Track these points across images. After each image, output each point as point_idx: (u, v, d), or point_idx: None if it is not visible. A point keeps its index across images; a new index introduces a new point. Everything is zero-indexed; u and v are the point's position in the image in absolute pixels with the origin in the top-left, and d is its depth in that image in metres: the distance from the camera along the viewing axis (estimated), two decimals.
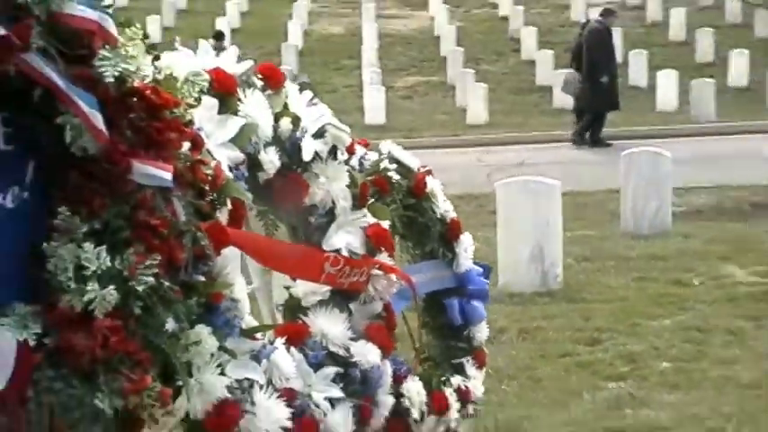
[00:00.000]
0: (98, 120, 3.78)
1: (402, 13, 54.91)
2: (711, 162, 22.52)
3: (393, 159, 5.33)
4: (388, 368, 4.76)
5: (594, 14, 39.22)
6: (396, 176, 5.27)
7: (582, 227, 16.41)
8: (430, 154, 25.30)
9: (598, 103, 28.83)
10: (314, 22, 53.02)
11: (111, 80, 3.82)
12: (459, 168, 21.02)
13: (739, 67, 37.83)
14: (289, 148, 4.68)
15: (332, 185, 4.78)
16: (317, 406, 4.44)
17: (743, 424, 8.10)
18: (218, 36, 34.34)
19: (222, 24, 46.00)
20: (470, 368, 5.53)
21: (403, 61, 45.63)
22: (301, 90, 4.89)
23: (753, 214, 17.78)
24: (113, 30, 3.89)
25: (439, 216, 5.55)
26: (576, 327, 11.03)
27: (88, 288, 3.76)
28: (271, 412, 4.29)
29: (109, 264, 3.80)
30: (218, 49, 4.92)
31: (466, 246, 5.62)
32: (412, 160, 5.46)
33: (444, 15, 51.12)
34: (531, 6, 52.27)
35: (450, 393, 5.37)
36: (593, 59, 28.69)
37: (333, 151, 4.80)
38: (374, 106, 37.31)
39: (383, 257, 4.86)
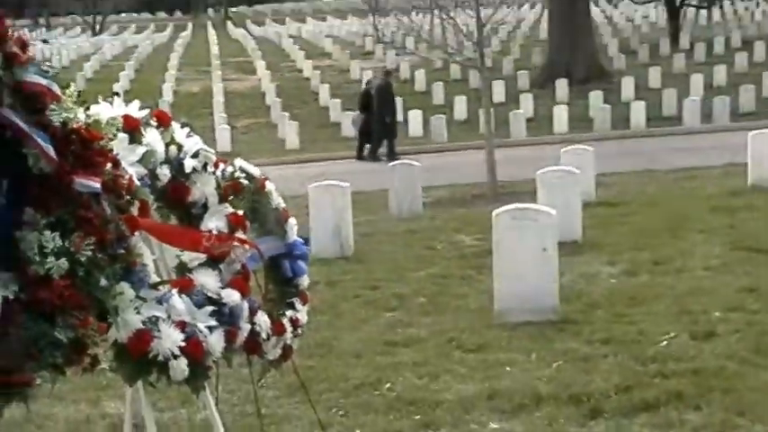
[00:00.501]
0: (50, 150, 3.74)
1: (239, 77, 54.10)
2: (446, 168, 22.63)
3: (243, 170, 5.29)
4: (245, 306, 4.68)
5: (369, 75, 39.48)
6: (245, 182, 5.23)
7: (365, 213, 16.37)
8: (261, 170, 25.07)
9: (384, 133, 28.94)
10: (180, 85, 51.92)
11: (58, 124, 3.80)
12: (282, 178, 20.76)
13: (461, 106, 37.93)
14: (176, 165, 4.64)
15: (205, 188, 4.72)
16: (201, 332, 4.35)
17: (471, 333, 8.16)
18: (115, 95, 33.51)
19: (117, 87, 44.89)
20: (298, 305, 5.44)
21: (241, 109, 44.98)
22: (182, 127, 4.87)
23: (472, 202, 17.92)
24: (58, 90, 3.85)
25: (274, 207, 5.49)
26: (363, 279, 10.98)
27: (48, 260, 3.72)
28: (171, 336, 4.22)
29: (60, 244, 3.76)
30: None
31: (292, 225, 5.58)
32: (255, 170, 5.42)
33: (267, 78, 50.45)
34: (324, 70, 51.98)
35: (285, 321, 5.28)
36: (381, 105, 28.77)
37: (204, 166, 4.78)
38: (223, 139, 36.74)
39: (239, 234, 4.83)
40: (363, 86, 32.57)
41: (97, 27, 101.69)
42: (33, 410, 6.66)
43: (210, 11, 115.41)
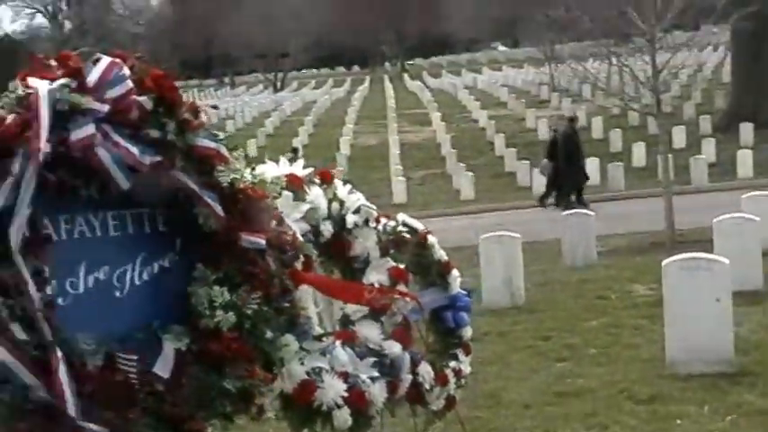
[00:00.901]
0: (219, 209, 3.99)
1: (414, 129, 54.81)
2: (623, 216, 22.41)
3: (405, 224, 5.46)
4: (407, 357, 4.82)
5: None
6: (407, 235, 5.39)
7: (539, 263, 16.37)
8: (436, 220, 25.33)
9: (573, 180, 28.88)
10: (357, 138, 52.95)
11: (226, 184, 4.04)
12: (457, 229, 21.01)
13: (639, 153, 37.50)
14: (338, 220, 4.85)
15: (366, 243, 4.92)
16: (364, 382, 4.53)
17: (643, 384, 8.10)
18: (295, 150, 34.42)
19: (296, 142, 46.11)
20: (461, 356, 5.53)
21: (416, 160, 45.53)
22: (344, 184, 5.07)
23: (649, 251, 17.69)
24: (226, 153, 4.08)
25: (436, 259, 5.64)
26: (533, 329, 11.00)
27: (217, 314, 3.94)
28: (335, 387, 4.40)
29: (228, 298, 3.98)
30: (294, 159, 5.09)
31: (454, 277, 5.69)
32: (418, 224, 5.57)
33: (442, 129, 50.98)
34: (499, 120, 52.13)
35: (448, 372, 5.39)
36: (568, 152, 28.78)
37: (366, 221, 4.96)
38: (398, 191, 37.28)
39: (401, 287, 4.99)
40: (550, 134, 32.64)
41: (278, 84, 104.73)
42: None
43: (387, 64, 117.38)
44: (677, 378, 8.17)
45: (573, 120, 33.46)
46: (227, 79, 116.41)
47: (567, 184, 29.08)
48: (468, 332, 5.72)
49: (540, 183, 33.12)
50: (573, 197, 28.72)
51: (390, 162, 43.75)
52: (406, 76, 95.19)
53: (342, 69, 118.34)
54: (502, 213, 28.09)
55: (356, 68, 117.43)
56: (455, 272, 5.77)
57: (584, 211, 18.17)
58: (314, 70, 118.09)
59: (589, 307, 12.22)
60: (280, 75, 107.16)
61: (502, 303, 12.37)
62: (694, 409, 7.29)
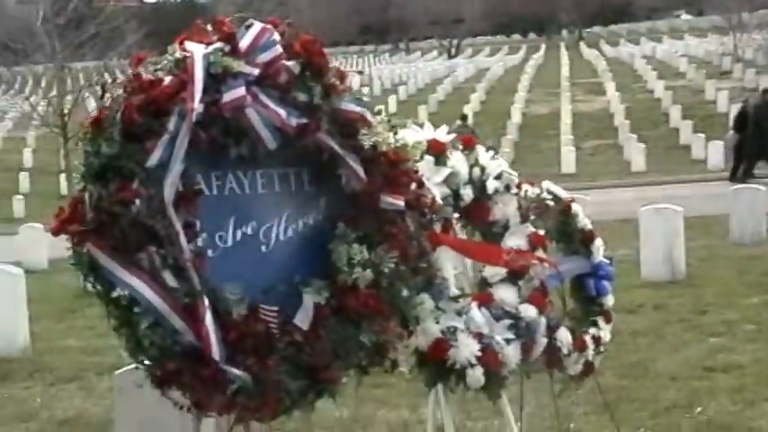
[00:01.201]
0: (360, 171, 4.19)
1: (587, 99, 54.25)
2: None
3: (549, 192, 5.55)
4: (543, 321, 4.91)
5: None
6: (551, 203, 5.48)
7: (704, 237, 16.10)
8: (605, 192, 25.16)
9: (759, 153, 28.20)
10: (529, 106, 52.72)
11: (368, 147, 4.23)
12: (622, 201, 20.82)
13: None
14: (478, 185, 4.98)
15: (506, 208, 5.03)
16: (498, 343, 4.66)
17: None
18: (464, 117, 34.42)
19: (467, 109, 46.21)
20: (601, 323, 5.58)
21: (588, 130, 45.08)
22: (487, 150, 5.19)
23: None
24: (369, 117, 4.25)
25: (580, 227, 5.71)
26: (691, 303, 10.83)
27: (355, 271, 4.16)
28: (469, 346, 4.56)
29: (367, 256, 4.18)
30: (464, 126, 5.25)
31: (598, 246, 5.75)
32: (562, 192, 5.64)
33: (617, 99, 50.31)
34: (676, 91, 51.05)
35: (588, 338, 5.46)
36: (758, 124, 28.13)
37: (507, 187, 5.07)
38: (568, 161, 37.05)
39: (540, 253, 5.10)
40: (740, 105, 31.83)
41: (452, 50, 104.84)
42: (361, 413, 7.26)
43: (564, 32, 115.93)
44: None
45: (766, 92, 32.48)
46: (402, 45, 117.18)
47: (752, 156, 28.36)
48: (609, 300, 5.76)
49: (716, 157, 32.44)
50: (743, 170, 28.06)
51: (561, 132, 43.43)
52: (582, 44, 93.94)
53: (517, 37, 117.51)
54: (673, 186, 27.56)
55: (532, 36, 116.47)
56: (598, 241, 5.82)
57: (756, 185, 17.72)
58: (489, 37, 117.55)
59: (752, 284, 11.96)
60: (454, 41, 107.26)
61: (661, 276, 12.23)
62: None
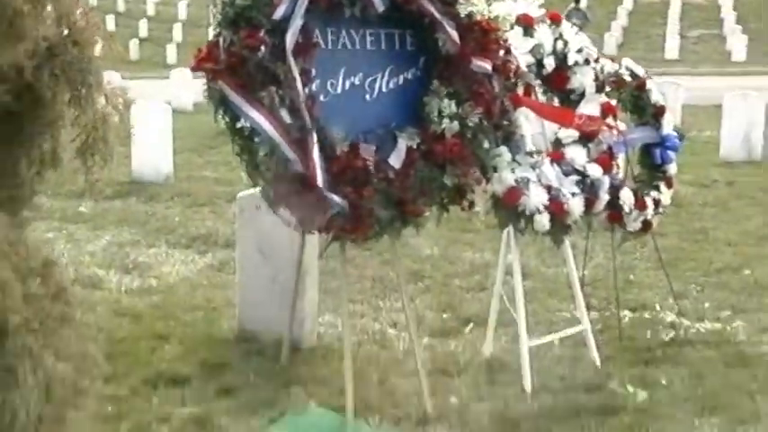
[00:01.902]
0: (455, 36, 4.41)
1: None
2: None
3: (628, 68, 5.66)
4: (606, 180, 5.06)
5: None
6: (628, 78, 5.59)
7: None
8: (703, 79, 24.47)
9: None
10: None
11: (464, 15, 4.45)
12: (718, 88, 20.26)
13: None
14: (560, 57, 5.13)
15: (583, 79, 5.17)
16: (564, 195, 4.85)
17: None
18: (577, 1, 33.56)
19: None
20: (663, 188, 5.69)
21: (695, 20, 43.70)
22: (573, 26, 5.34)
23: None
24: None
25: (653, 102, 5.80)
26: (762, 182, 10.41)
27: (443, 121, 4.43)
28: (538, 195, 4.77)
29: (455, 110, 4.44)
30: (577, 10, 5.37)
31: (668, 120, 5.83)
32: (639, 69, 5.73)
33: None
34: None
35: (648, 200, 5.59)
36: None
37: (586, 60, 5.21)
38: (671, 47, 36.23)
39: (609, 120, 5.26)
40: None
41: None
42: (449, 252, 7.56)
43: None
44: None
45: None
46: None
47: None
48: (672, 168, 5.88)
49: None
50: None
51: (669, 19, 42.21)
52: None
53: None
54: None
55: None
56: (668, 115, 5.92)
57: None
58: None
59: None
60: None
61: (737, 157, 12.12)
62: None
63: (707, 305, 6.25)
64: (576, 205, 4.94)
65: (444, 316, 6.04)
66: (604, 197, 5.15)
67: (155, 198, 9.28)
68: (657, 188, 5.78)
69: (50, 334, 2.68)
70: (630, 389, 4.93)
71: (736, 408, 4.67)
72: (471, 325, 5.82)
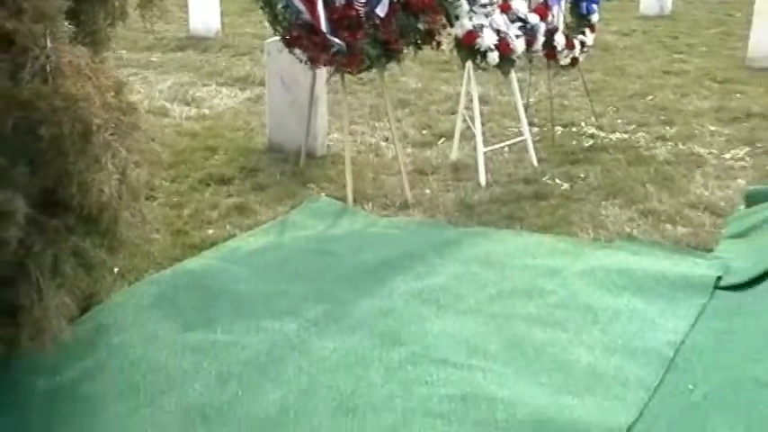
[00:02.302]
0: None
1: None
2: None
3: None
4: (543, 26, 5.02)
5: None
6: None
7: None
8: None
9: None
10: None
11: None
12: None
13: None
14: None
15: None
16: (510, 37, 4.79)
17: (725, 71, 7.77)
18: None
19: None
20: (588, 33, 5.53)
21: None
22: None
23: None
24: None
25: None
26: (669, 32, 10.18)
27: None
28: (490, 37, 4.70)
29: None
30: None
31: None
32: None
33: None
34: None
35: (576, 42, 5.43)
36: None
37: None
38: None
39: None
40: None
41: None
42: (430, 86, 7.49)
43: None
44: (750, 68, 7.85)
45: None
46: None
47: None
48: (595, 17, 5.68)
49: None
50: None
51: None
52: None
53: None
54: None
55: None
56: None
57: None
58: None
59: (715, 20, 11.38)
60: None
61: (653, 12, 11.78)
62: (753, 89, 7.10)
63: (619, 121, 6.26)
64: (518, 44, 4.89)
65: (423, 132, 6.05)
66: (541, 39, 5.09)
67: (207, 50, 9.14)
68: (584, 33, 5.65)
69: (124, 136, 2.75)
70: (558, 181, 5.03)
71: (632, 193, 4.78)
72: (443, 139, 5.83)
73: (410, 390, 2.82)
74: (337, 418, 2.69)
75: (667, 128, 6.06)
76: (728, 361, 2.84)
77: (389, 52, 4.45)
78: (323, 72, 5.05)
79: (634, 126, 6.12)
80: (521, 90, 5.51)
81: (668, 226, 4.31)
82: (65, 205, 2.64)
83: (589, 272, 3.69)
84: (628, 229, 4.28)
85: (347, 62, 4.33)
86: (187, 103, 6.87)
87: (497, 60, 4.82)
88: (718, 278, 3.55)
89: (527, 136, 5.35)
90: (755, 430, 2.46)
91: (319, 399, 2.79)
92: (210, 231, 4.26)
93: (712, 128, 6.04)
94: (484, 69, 4.96)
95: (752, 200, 4.34)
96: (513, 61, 5.01)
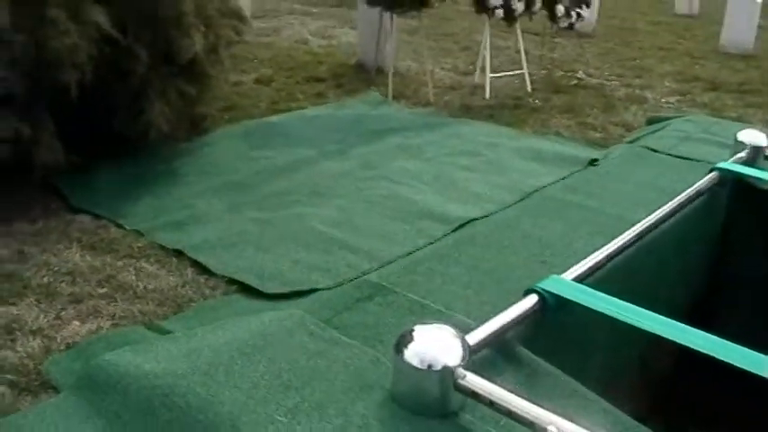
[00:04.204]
0: None
1: None
2: None
3: None
4: None
5: None
6: None
7: None
8: None
9: None
10: None
11: None
12: None
13: None
14: None
15: None
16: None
17: (698, 52, 7.07)
18: None
19: None
20: (584, 8, 5.14)
21: None
22: None
23: None
24: None
25: None
26: None
27: None
28: None
29: None
30: None
31: None
32: None
33: None
34: None
35: (573, 13, 5.11)
36: None
37: None
38: None
39: None
40: None
41: None
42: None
43: None
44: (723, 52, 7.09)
45: None
46: None
47: None
48: None
49: None
50: None
51: None
52: None
53: None
54: None
55: None
56: None
57: None
58: None
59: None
60: None
61: (682, 12, 10.69)
62: (711, 63, 6.46)
63: (606, 74, 5.94)
64: (519, 4, 4.73)
65: (470, 66, 6.02)
66: (538, 2, 4.92)
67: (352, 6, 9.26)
68: (580, 7, 5.28)
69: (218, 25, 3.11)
70: (536, 101, 4.90)
71: (581, 111, 4.71)
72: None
73: (362, 190, 3.17)
74: (311, 198, 3.09)
75: (636, 80, 5.81)
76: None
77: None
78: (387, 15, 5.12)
79: (614, 77, 5.88)
80: (542, 45, 5.41)
81: (591, 131, 4.31)
82: (170, 58, 3.07)
83: (516, 148, 3.82)
84: (561, 130, 4.31)
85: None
86: (323, 37, 7.11)
87: (502, 15, 4.77)
88: (596, 160, 3.58)
89: (524, 69, 5.32)
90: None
91: (306, 188, 3.18)
92: (293, 105, 4.63)
93: (667, 84, 5.74)
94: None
95: (653, 122, 4.22)
96: (516, 18, 4.92)
